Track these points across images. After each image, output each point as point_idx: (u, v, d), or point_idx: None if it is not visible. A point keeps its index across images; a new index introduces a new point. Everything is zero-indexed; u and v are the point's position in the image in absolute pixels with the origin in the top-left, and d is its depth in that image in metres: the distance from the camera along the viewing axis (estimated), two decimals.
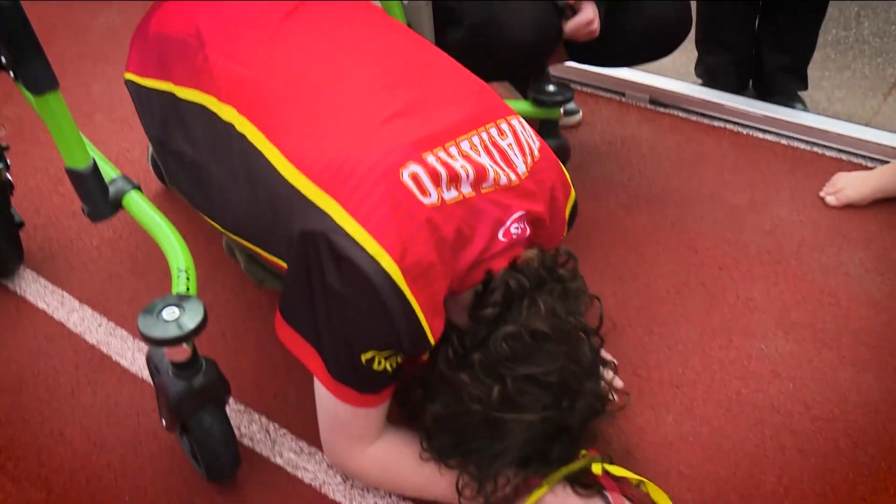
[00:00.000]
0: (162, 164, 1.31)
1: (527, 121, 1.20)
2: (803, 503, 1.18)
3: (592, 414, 1.14)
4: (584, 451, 1.16)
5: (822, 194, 1.79)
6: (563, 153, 1.63)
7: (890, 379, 1.37)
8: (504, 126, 1.14)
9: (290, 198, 1.04)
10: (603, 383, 1.17)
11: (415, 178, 1.02)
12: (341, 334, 1.03)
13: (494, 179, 1.08)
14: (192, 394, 1.10)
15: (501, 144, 1.12)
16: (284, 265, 1.09)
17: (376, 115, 1.08)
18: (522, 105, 1.61)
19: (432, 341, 1.04)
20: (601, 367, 1.17)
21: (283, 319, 1.10)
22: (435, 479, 1.15)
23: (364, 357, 1.04)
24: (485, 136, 1.11)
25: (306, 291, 1.04)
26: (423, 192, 1.02)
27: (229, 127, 1.13)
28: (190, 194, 1.25)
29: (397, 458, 1.17)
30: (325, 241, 0.99)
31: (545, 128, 1.61)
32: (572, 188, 1.26)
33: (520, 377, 1.04)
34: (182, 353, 1.06)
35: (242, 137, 1.11)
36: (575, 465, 1.13)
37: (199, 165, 1.18)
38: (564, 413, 1.08)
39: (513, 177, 1.10)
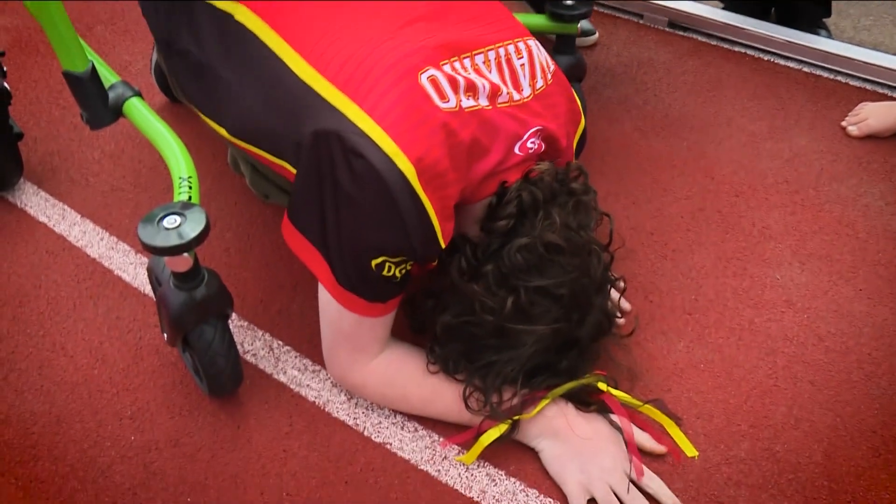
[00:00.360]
0: (167, 65, 1.27)
1: (543, 36, 1.17)
2: (813, 435, 1.17)
3: (600, 331, 1.14)
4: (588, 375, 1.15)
5: (844, 124, 1.74)
6: (579, 69, 1.58)
7: None
8: (521, 46, 1.12)
9: (304, 97, 1.01)
10: (610, 303, 1.17)
11: (433, 81, 1.00)
12: (350, 239, 1.01)
13: (509, 95, 1.07)
14: (194, 305, 1.08)
15: (515, 64, 1.10)
16: (292, 170, 1.07)
17: (396, 18, 1.06)
18: (539, 19, 1.55)
19: (443, 245, 1.03)
20: (610, 285, 1.17)
21: (290, 223, 1.07)
22: (439, 392, 1.14)
23: (374, 262, 1.02)
24: (501, 52, 1.09)
25: (316, 193, 1.01)
26: (442, 96, 1.00)
27: (241, 26, 1.09)
28: (195, 97, 1.21)
29: (401, 371, 1.16)
30: (338, 139, 0.96)
31: (561, 43, 1.56)
32: (583, 117, 1.25)
33: (532, 289, 1.04)
34: (183, 262, 1.03)
35: (255, 37, 1.08)
36: (581, 381, 1.14)
37: (207, 66, 1.15)
38: (574, 326, 1.08)
39: (516, 97, 1.09)
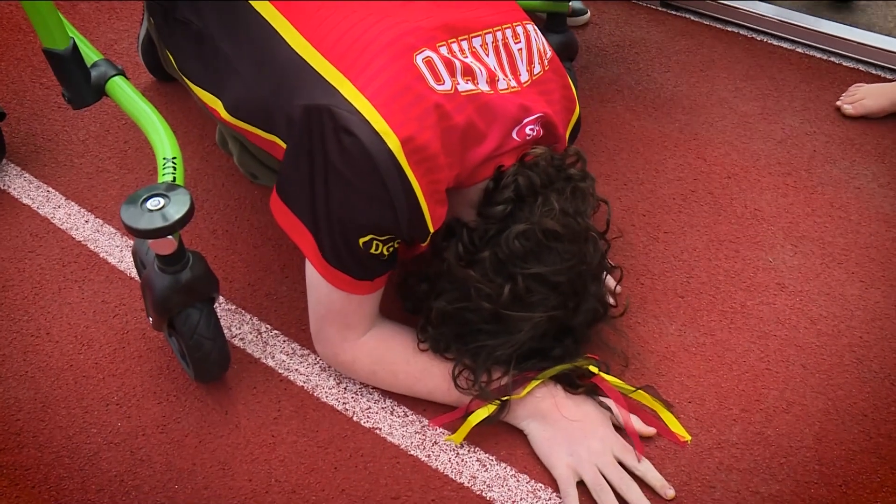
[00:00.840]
0: (164, 37, 1.25)
1: (534, 14, 1.16)
2: (805, 419, 1.16)
3: (595, 318, 1.13)
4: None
5: (838, 103, 1.73)
6: (570, 48, 1.56)
7: None
8: (519, 30, 1.11)
9: (299, 71, 1.01)
10: (604, 288, 1.16)
11: (429, 63, 0.99)
12: (338, 215, 1.00)
13: (507, 80, 1.07)
14: (179, 289, 1.06)
15: (512, 48, 1.10)
16: (283, 145, 1.06)
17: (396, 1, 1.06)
18: None
19: (431, 228, 1.03)
20: (606, 273, 1.16)
21: (278, 197, 1.06)
22: (429, 370, 1.14)
23: (361, 240, 1.01)
24: (499, 35, 1.09)
25: (306, 168, 1.00)
26: (437, 78, 0.99)
27: (240, 3, 1.09)
28: (193, 70, 1.20)
29: (391, 347, 1.16)
30: (330, 115, 0.96)
31: (552, 22, 1.54)
32: (577, 105, 1.24)
33: (530, 276, 1.03)
34: (167, 245, 1.01)
35: (252, 9, 1.07)
36: (573, 364, 1.13)
37: (206, 36, 1.14)
38: (569, 314, 1.07)
39: (513, 83, 1.08)
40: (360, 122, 0.94)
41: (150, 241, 1.01)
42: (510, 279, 1.03)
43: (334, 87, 0.97)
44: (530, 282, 1.03)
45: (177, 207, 0.99)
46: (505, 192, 1.05)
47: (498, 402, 1.10)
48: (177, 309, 1.09)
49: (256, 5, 1.08)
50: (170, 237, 1.00)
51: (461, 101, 1.00)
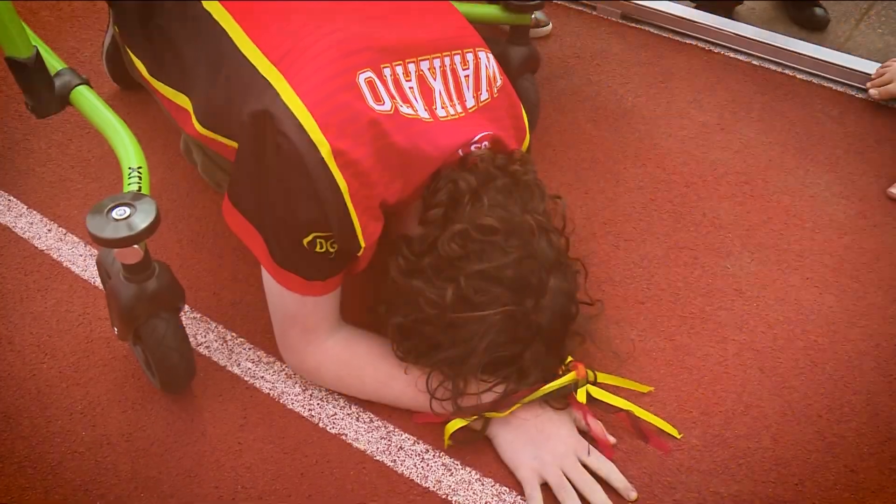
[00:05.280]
0: (136, 43, 1.25)
1: (496, 26, 1.18)
2: (763, 420, 1.19)
3: (566, 316, 1.09)
4: (570, 358, 1.15)
5: (867, 85, 1.80)
6: (533, 61, 1.59)
7: (849, 300, 1.38)
8: (469, 57, 1.13)
9: (248, 76, 1.03)
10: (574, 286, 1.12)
11: (370, 83, 1.01)
12: (280, 216, 1.02)
13: (452, 105, 1.09)
14: (145, 299, 1.06)
15: (459, 74, 1.11)
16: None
17: (348, 11, 1.07)
18: (492, 9, 1.55)
19: (362, 242, 1.02)
20: (570, 268, 1.12)
21: (230, 202, 1.08)
22: (395, 375, 1.14)
23: (305, 240, 1.02)
24: (447, 61, 1.10)
25: (252, 172, 1.03)
26: (377, 99, 1.01)
27: (197, 5, 1.10)
28: (169, 74, 1.20)
29: (357, 352, 1.16)
30: (270, 118, 0.98)
31: (515, 34, 1.56)
32: (528, 134, 1.23)
33: (472, 275, 1.01)
34: (133, 255, 1.01)
35: (209, 16, 1.09)
36: (558, 383, 1.12)
37: (177, 41, 1.15)
38: (530, 311, 1.03)
39: (458, 108, 1.10)
40: (297, 127, 0.97)
41: (115, 250, 1.01)
42: (452, 281, 1.01)
43: (276, 91, 0.99)
44: (475, 281, 1.01)
45: (143, 216, 0.99)
46: (438, 195, 1.05)
47: (476, 417, 1.11)
48: (142, 318, 1.08)
49: (207, 6, 1.09)
50: (135, 246, 1.00)
51: (402, 122, 1.02)
